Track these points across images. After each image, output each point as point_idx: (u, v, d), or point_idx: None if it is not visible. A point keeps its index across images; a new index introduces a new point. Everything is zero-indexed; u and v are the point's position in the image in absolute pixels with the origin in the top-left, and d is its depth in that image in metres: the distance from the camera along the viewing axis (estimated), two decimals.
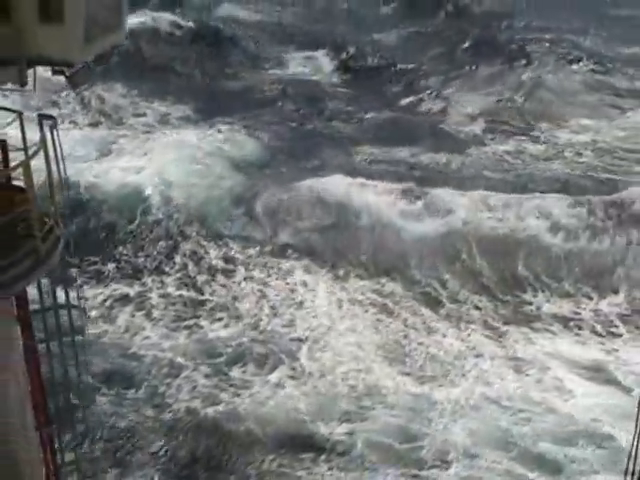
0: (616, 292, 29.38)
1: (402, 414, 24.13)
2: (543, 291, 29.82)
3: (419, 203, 33.81)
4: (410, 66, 55.58)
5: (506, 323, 28.50)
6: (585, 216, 32.26)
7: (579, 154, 42.26)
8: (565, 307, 28.95)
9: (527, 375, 26.02)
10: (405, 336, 27.52)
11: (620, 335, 27.69)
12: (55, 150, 9.85)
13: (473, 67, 54.62)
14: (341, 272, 30.72)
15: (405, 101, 50.37)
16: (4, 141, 10.12)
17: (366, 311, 28.76)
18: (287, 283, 30.37)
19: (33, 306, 10.93)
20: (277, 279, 30.57)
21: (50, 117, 10.01)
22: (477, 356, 26.78)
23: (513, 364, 26.47)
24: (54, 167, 10.08)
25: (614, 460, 21.52)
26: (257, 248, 32.46)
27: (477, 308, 29.24)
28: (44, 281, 10.59)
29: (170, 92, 48.46)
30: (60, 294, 10.98)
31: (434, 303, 29.43)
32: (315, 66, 56.60)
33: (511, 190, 35.89)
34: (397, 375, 25.89)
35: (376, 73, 54.41)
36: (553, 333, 27.87)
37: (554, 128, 45.89)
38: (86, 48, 8.58)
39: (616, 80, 52.98)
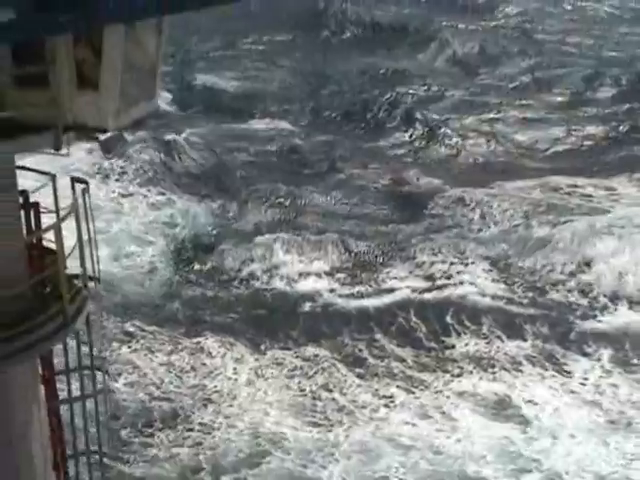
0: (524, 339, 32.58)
1: (296, 459, 26.31)
2: (465, 334, 32.86)
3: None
4: None
5: (425, 371, 30.95)
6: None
7: None
8: (481, 348, 32.02)
9: (429, 418, 28.28)
10: (319, 393, 29.57)
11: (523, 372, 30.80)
12: (86, 213, 10.03)
13: None
14: (267, 342, 32.45)
15: None
16: (37, 203, 10.34)
17: (286, 375, 30.70)
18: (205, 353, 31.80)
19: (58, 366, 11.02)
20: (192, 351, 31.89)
21: (82, 181, 10.24)
22: (386, 406, 28.91)
23: (419, 409, 28.83)
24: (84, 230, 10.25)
25: None
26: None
27: (401, 360, 31.51)
28: (70, 342, 10.67)
29: None
30: (85, 355, 11.04)
31: (357, 362, 31.40)
32: None
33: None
34: (301, 425, 27.89)
35: None
36: (469, 373, 30.66)
37: None
38: (120, 116, 8.81)
39: None
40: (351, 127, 55.20)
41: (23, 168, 9.96)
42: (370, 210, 43.89)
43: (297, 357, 31.61)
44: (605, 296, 35.40)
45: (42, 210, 10.33)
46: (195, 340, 32.54)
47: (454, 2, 79.55)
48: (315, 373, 30.80)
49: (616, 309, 34.31)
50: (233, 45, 69.51)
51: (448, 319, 34.05)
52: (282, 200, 43.87)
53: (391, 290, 36.01)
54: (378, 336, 32.92)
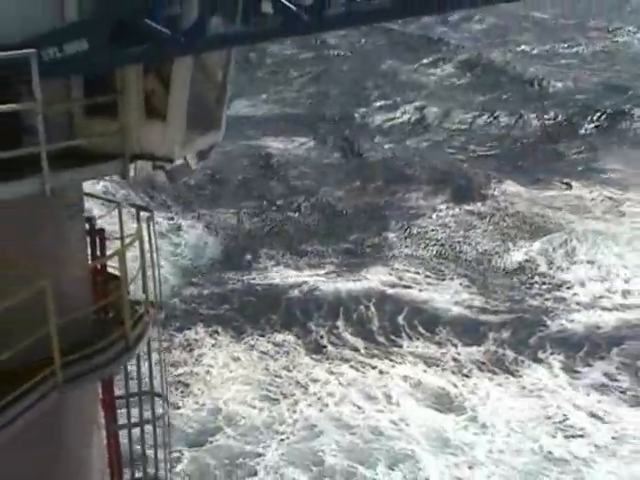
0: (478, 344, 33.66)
1: (243, 436, 27.98)
2: (417, 338, 34.07)
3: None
4: None
5: (375, 358, 32.61)
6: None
7: None
8: (432, 350, 33.39)
9: (373, 399, 29.88)
10: (280, 373, 31.66)
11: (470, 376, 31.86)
12: (150, 241, 10.19)
13: None
14: (248, 330, 34.51)
15: None
16: (102, 229, 10.55)
17: (256, 358, 32.89)
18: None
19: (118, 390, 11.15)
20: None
21: (147, 209, 10.41)
22: (340, 384, 30.89)
23: (362, 388, 30.56)
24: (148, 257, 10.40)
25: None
26: None
27: (355, 350, 33.21)
28: (131, 367, 10.79)
29: None
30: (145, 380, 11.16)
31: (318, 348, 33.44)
32: None
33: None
34: (258, 400, 29.90)
35: None
36: (414, 365, 32.16)
37: None
38: (186, 145, 8.96)
39: None
40: None
41: (90, 195, 10.18)
42: None
43: (269, 342, 33.67)
44: (562, 302, 36.57)
45: (107, 237, 10.54)
46: (186, 332, 34.08)
47: None
48: (280, 355, 32.97)
49: (573, 318, 35.25)
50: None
51: (407, 319, 35.45)
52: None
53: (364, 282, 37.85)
54: (339, 323, 34.98)
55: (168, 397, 11.33)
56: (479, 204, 45.54)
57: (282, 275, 38.58)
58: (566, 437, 27.88)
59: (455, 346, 33.37)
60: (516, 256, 40.34)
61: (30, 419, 8.87)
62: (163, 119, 8.61)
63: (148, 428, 11.31)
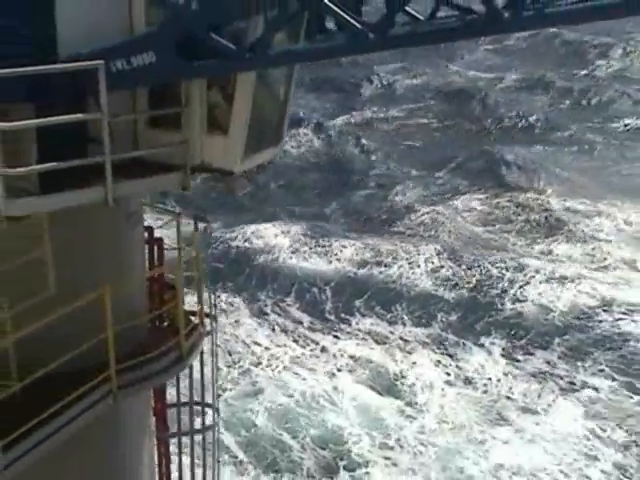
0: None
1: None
2: (371, 316, 35.24)
3: None
4: None
5: (318, 332, 33.96)
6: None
7: None
8: (381, 328, 34.51)
9: (313, 371, 31.11)
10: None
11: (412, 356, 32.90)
12: (206, 251, 10.29)
13: None
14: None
15: None
16: (161, 239, 10.70)
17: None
18: None
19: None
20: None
21: (205, 220, 10.53)
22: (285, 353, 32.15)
23: (305, 362, 31.72)
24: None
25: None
26: None
27: (299, 322, 34.41)
28: (183, 376, 10.89)
29: None
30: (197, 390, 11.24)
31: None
32: None
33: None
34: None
35: None
36: (360, 340, 33.57)
37: None
38: (246, 159, 9.04)
39: None
40: None
41: (150, 205, 10.33)
42: None
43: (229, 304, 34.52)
44: (512, 293, 37.01)
45: (165, 246, 10.68)
46: None
47: None
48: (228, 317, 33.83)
49: (522, 306, 35.86)
50: None
51: (364, 297, 36.57)
52: None
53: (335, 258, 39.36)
54: (288, 299, 36.06)
55: (219, 409, 11.39)
56: None
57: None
58: (491, 422, 28.77)
59: (404, 325, 34.53)
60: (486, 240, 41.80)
61: (84, 423, 9.01)
62: (225, 133, 8.71)
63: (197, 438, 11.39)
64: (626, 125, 56.67)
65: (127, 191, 8.64)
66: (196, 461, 11.60)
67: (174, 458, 11.44)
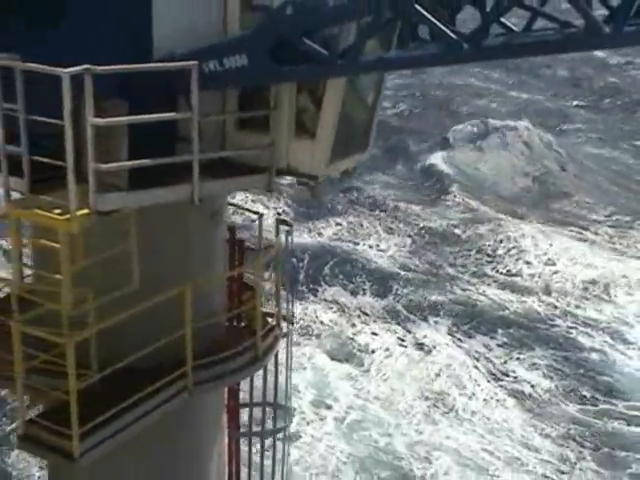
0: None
1: None
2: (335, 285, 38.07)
3: None
4: None
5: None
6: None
7: None
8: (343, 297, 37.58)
9: None
10: None
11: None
12: (288, 255, 10.34)
13: None
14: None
15: None
16: (242, 240, 10.79)
17: None
18: None
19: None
20: None
21: (287, 223, 10.57)
22: None
23: None
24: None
25: None
26: None
27: None
28: (257, 377, 10.96)
29: None
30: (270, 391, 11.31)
31: None
32: None
33: None
34: None
35: None
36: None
37: None
38: (332, 164, 9.04)
39: None
40: None
41: (234, 205, 10.43)
42: None
43: None
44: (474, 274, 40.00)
45: (246, 247, 10.77)
46: None
47: None
48: None
49: (480, 288, 38.63)
50: None
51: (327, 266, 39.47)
52: None
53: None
54: None
55: (291, 411, 11.41)
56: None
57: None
58: (425, 396, 31.09)
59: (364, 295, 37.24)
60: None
61: (159, 416, 9.15)
62: (312, 137, 8.73)
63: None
64: None
65: (213, 190, 8.75)
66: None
67: (244, 457, 11.52)
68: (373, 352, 33.28)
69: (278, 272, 10.48)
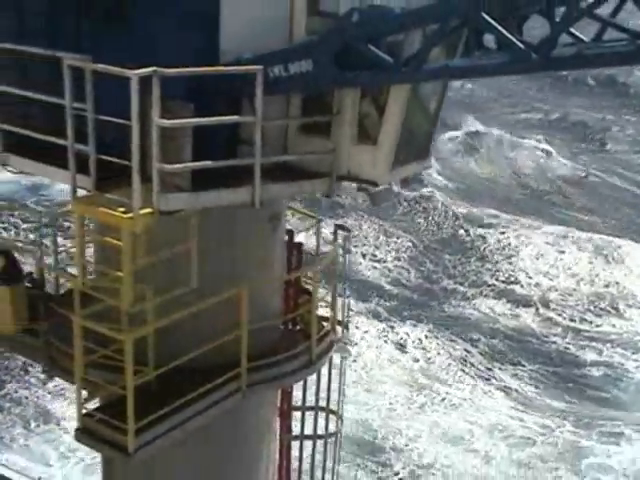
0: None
1: None
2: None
3: None
4: None
5: None
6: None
7: None
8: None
9: None
10: None
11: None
12: (344, 260, 10.35)
13: None
14: None
15: None
16: (300, 243, 10.83)
17: None
18: None
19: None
20: None
21: (346, 228, 10.59)
22: None
23: None
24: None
25: None
26: None
27: None
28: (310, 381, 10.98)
29: None
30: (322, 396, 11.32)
31: None
32: None
33: None
34: None
35: None
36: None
37: None
38: (393, 171, 9.02)
39: None
40: None
41: (293, 209, 10.47)
42: None
43: None
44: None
45: (304, 251, 10.80)
46: None
47: None
48: None
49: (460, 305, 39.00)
50: None
51: None
52: None
53: None
54: None
55: (343, 416, 11.42)
56: None
57: None
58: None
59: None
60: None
61: (212, 416, 9.23)
62: (374, 143, 8.72)
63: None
64: None
65: (273, 194, 8.80)
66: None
67: (294, 461, 11.55)
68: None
69: (335, 277, 10.49)
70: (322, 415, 11.44)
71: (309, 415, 11.46)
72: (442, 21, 7.64)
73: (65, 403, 29.63)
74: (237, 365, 9.42)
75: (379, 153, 8.69)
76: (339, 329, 10.79)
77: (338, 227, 10.69)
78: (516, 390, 33.48)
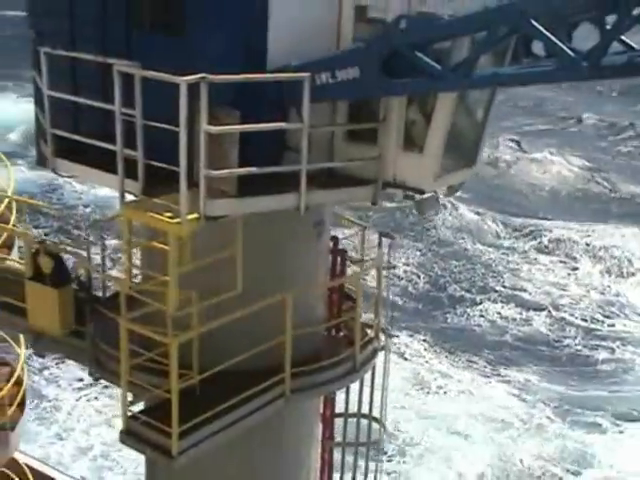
0: None
1: None
2: None
3: None
4: None
5: None
6: None
7: None
8: None
9: None
10: None
11: None
12: (388, 268, 10.32)
13: None
14: None
15: None
16: (344, 250, 10.83)
17: None
18: None
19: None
20: None
21: (390, 236, 10.56)
22: None
23: None
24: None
25: None
26: None
27: None
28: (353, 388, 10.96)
29: None
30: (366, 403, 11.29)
31: None
32: None
33: None
34: None
35: None
36: None
37: None
38: (439, 178, 8.97)
39: None
40: None
41: (338, 216, 10.46)
42: None
43: None
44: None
45: (348, 258, 10.80)
46: None
47: None
48: None
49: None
50: None
51: None
52: None
53: None
54: None
55: (385, 424, 11.38)
56: None
57: None
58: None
59: None
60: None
61: (255, 421, 9.26)
62: (420, 150, 8.69)
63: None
64: None
65: (319, 200, 8.81)
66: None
67: (336, 467, 11.54)
68: None
69: (379, 284, 10.46)
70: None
71: (351, 422, 11.45)
72: (491, 28, 7.59)
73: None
74: (280, 370, 9.44)
75: (425, 160, 8.65)
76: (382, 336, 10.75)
77: (383, 234, 10.67)
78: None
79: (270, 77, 8.27)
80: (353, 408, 11.34)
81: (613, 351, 36.84)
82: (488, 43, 7.74)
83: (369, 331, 10.52)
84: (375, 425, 11.43)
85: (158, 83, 7.72)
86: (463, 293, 40.95)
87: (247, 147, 8.11)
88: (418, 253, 43.92)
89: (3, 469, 15.94)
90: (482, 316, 39.16)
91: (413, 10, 8.19)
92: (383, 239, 10.74)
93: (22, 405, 15.36)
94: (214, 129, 7.75)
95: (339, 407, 11.49)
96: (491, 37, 7.65)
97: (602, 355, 36.55)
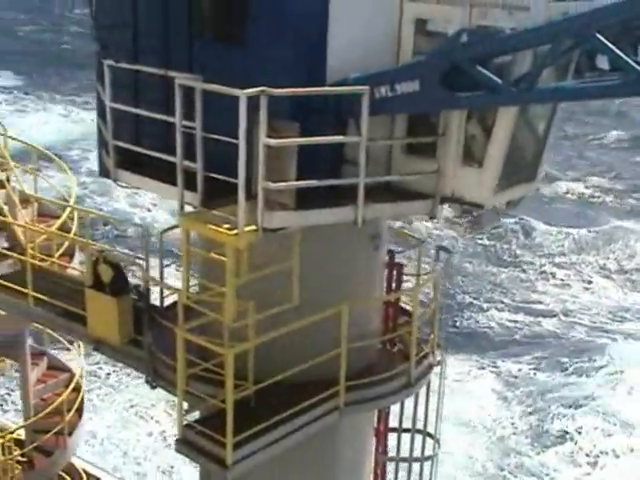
0: None
1: None
2: None
3: None
4: None
5: None
6: None
7: None
8: None
9: None
10: None
11: None
12: (447, 282, 10.22)
13: None
14: None
15: None
16: (401, 264, 10.77)
17: None
18: None
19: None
20: None
21: (447, 250, 10.47)
22: None
23: None
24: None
25: None
26: None
27: None
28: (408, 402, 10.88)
29: None
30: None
31: None
32: None
33: None
34: None
35: None
36: None
37: None
38: (498, 194, 8.87)
39: None
40: None
41: (395, 230, 10.41)
42: None
43: None
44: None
45: (405, 272, 10.74)
46: None
47: None
48: None
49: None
50: None
51: None
52: None
53: None
54: None
55: (440, 440, 11.27)
56: None
57: None
58: None
59: None
60: None
61: (308, 434, 9.25)
62: (479, 165, 8.60)
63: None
64: None
65: (376, 214, 8.79)
66: None
67: None
68: None
69: (436, 299, 10.38)
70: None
71: (405, 437, 11.37)
72: (554, 42, 7.49)
73: None
74: (334, 383, 9.42)
75: (485, 175, 8.56)
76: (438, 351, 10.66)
77: (440, 248, 10.60)
78: None
79: (330, 90, 8.29)
80: (407, 423, 11.25)
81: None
82: (551, 57, 7.63)
83: (424, 346, 10.44)
84: (429, 440, 11.33)
85: (218, 95, 7.80)
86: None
87: (305, 160, 8.13)
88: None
89: (61, 473, 16.20)
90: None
91: (474, 23, 8.13)
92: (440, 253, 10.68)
93: (80, 411, 15.64)
94: (273, 142, 7.79)
95: (393, 422, 11.44)
96: (554, 51, 7.54)
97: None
